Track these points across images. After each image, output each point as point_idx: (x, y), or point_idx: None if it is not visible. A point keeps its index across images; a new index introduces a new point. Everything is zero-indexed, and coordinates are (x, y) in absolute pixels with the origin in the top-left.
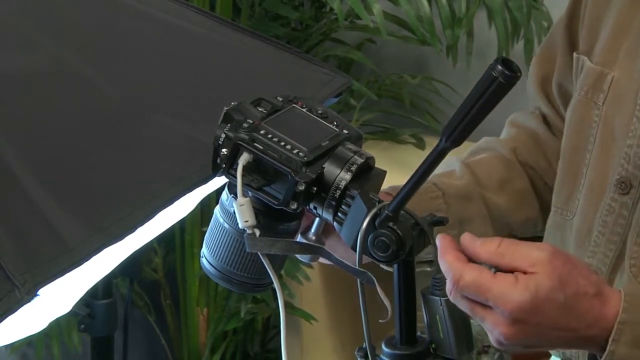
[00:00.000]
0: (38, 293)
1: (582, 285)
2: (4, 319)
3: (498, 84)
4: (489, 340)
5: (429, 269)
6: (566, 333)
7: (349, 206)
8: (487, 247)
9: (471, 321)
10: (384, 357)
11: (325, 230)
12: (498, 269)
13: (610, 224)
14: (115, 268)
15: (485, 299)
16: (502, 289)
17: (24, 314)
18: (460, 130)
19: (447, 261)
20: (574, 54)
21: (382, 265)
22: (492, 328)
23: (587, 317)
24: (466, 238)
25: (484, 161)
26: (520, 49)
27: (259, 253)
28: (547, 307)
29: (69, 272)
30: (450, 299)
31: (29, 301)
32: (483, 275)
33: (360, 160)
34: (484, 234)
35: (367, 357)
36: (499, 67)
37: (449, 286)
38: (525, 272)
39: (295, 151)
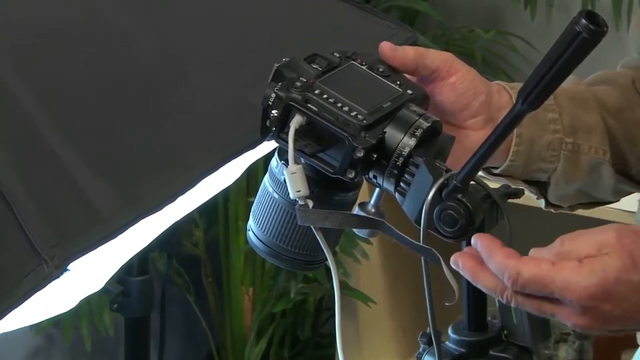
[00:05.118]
0: (68, 268)
1: None
2: (30, 296)
3: (582, 39)
4: (568, 327)
5: None
6: None
7: (412, 175)
8: (552, 250)
9: None
10: (450, 344)
11: None
12: None
13: None
14: (152, 242)
15: (550, 291)
16: (565, 277)
17: (52, 291)
18: (538, 91)
19: (499, 261)
20: None
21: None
22: (565, 321)
23: None
24: (532, 250)
25: (600, 89)
26: (608, 2)
27: (311, 227)
28: (620, 290)
29: (102, 245)
30: (512, 303)
31: (57, 277)
32: (542, 266)
33: (425, 125)
34: (602, 154)
35: (432, 343)
36: (583, 20)
37: (507, 288)
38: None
39: (353, 113)
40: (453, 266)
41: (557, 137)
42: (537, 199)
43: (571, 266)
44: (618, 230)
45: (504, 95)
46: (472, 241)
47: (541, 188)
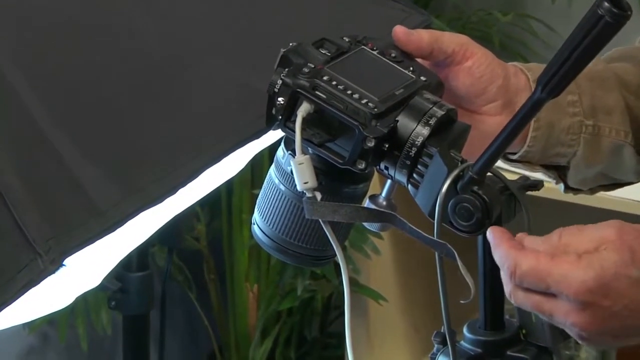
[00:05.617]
0: (64, 263)
1: None
2: (24, 292)
3: (604, 23)
4: None
5: None
6: None
7: (426, 166)
8: (548, 242)
9: None
10: (465, 344)
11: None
12: None
13: None
14: (152, 236)
15: (546, 285)
16: (563, 270)
17: (47, 287)
18: (558, 78)
19: (501, 251)
20: None
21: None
22: (563, 321)
23: None
24: (524, 236)
25: (619, 66)
26: None
27: (320, 220)
28: (618, 285)
29: (99, 239)
30: (512, 300)
31: (53, 272)
32: (540, 259)
33: (440, 113)
34: (624, 135)
35: (446, 343)
36: (606, 3)
37: (506, 281)
38: None
39: (364, 101)
40: (488, 237)
41: (576, 120)
42: (556, 183)
43: (569, 260)
44: (619, 227)
45: (522, 77)
46: (487, 234)
47: (560, 172)
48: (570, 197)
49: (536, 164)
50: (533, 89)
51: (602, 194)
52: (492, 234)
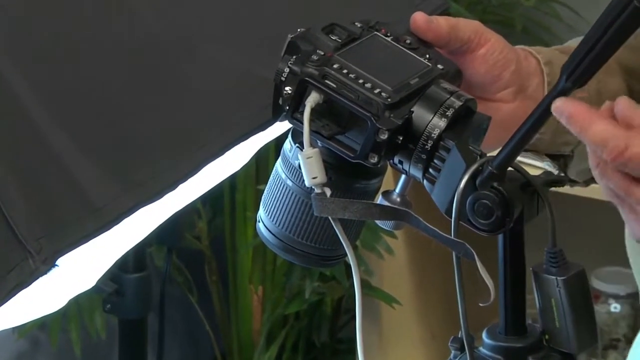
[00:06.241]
0: (57, 263)
1: None
2: (14, 294)
3: (633, 8)
4: (618, 332)
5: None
6: None
7: (443, 161)
8: None
9: (595, 308)
10: (484, 350)
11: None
12: None
13: None
14: (150, 234)
15: None
16: None
17: (38, 289)
18: (584, 66)
19: (603, 128)
20: None
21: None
22: None
23: None
24: (624, 101)
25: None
26: None
27: (329, 218)
28: None
29: (94, 237)
30: (597, 172)
31: (45, 273)
32: None
33: (458, 104)
34: None
35: (464, 349)
36: None
37: (603, 156)
38: None
39: (376, 91)
40: (555, 114)
41: None
42: (559, 173)
43: None
44: None
45: (532, 61)
46: (558, 105)
47: (561, 163)
48: (597, 194)
49: (543, 152)
50: (544, 72)
51: None
52: (569, 107)
